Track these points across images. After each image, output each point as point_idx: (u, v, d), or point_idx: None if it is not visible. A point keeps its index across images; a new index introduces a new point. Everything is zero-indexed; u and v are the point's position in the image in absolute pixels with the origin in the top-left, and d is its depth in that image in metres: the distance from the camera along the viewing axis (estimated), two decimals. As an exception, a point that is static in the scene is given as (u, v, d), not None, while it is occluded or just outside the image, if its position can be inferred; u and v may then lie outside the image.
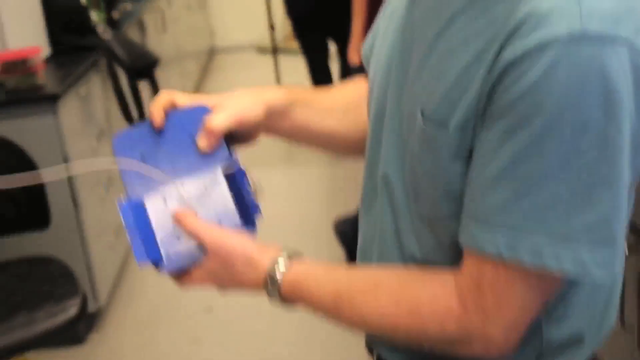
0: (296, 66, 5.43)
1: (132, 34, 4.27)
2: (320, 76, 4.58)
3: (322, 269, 0.99)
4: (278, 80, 5.76)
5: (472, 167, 0.87)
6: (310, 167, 4.42)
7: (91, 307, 3.01)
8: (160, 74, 4.69)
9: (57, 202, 2.68)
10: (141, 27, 4.55)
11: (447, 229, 0.93)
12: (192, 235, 1.00)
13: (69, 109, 3.08)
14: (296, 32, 4.59)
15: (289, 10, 4.53)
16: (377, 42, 1.10)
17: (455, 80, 0.87)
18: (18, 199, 2.47)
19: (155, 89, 3.97)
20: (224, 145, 1.05)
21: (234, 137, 1.10)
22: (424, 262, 0.97)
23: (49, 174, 1.15)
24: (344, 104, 1.20)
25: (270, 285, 0.97)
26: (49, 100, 2.96)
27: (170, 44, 5.32)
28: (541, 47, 0.78)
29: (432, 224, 0.95)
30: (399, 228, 1.00)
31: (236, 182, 1.04)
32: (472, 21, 0.86)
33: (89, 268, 3.04)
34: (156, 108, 1.07)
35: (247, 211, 1.03)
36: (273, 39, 5.85)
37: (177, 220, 1.01)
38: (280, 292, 0.97)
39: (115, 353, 3.09)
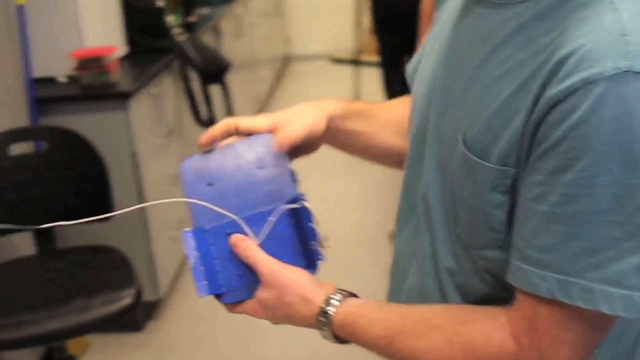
0: (370, 78, 5.45)
1: (207, 38, 4.34)
2: (396, 87, 4.49)
3: (374, 308, 0.98)
4: (356, 91, 5.79)
5: (519, 206, 0.86)
6: (368, 175, 4.41)
7: (151, 296, 3.10)
8: (233, 78, 4.77)
9: (122, 194, 2.74)
10: (217, 31, 4.62)
11: (483, 256, 0.93)
12: (248, 261, 1.01)
13: (140, 107, 3.15)
14: (378, 35, 4.46)
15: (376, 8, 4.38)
16: (422, 60, 1.11)
17: (498, 109, 0.86)
18: (83, 189, 2.54)
19: (225, 93, 4.05)
20: (290, 179, 1.05)
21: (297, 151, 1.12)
22: (461, 284, 0.98)
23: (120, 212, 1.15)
24: (400, 118, 1.19)
25: (323, 323, 0.98)
26: (120, 97, 3.04)
27: (245, 49, 5.38)
28: (587, 84, 0.77)
29: (470, 249, 0.95)
30: (436, 249, 1.00)
31: (300, 217, 1.03)
32: (516, 51, 0.86)
33: (150, 259, 3.11)
34: (215, 131, 1.09)
35: (308, 249, 1.03)
36: (354, 49, 5.87)
37: (234, 245, 1.02)
38: (332, 330, 0.97)
39: (170, 342, 3.16)
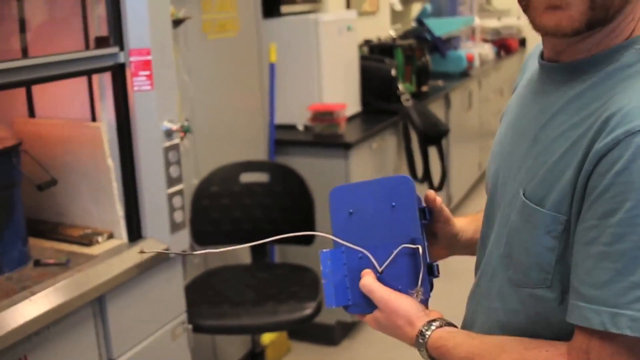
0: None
1: (437, 106, 4.46)
2: None
3: (461, 334, 1.04)
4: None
5: (575, 252, 0.89)
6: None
7: (348, 318, 3.23)
8: (459, 145, 4.86)
9: (321, 221, 2.89)
10: (447, 101, 4.72)
11: (533, 294, 0.97)
12: (365, 291, 1.10)
13: (360, 158, 3.33)
14: None
15: None
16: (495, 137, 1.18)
17: (553, 165, 0.92)
18: (293, 216, 2.77)
19: (441, 155, 4.15)
20: (416, 222, 1.09)
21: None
22: (505, 324, 1.02)
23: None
24: None
25: (420, 344, 1.04)
26: (343, 147, 3.23)
27: (474, 120, 5.41)
28: (628, 136, 0.81)
29: (520, 290, 0.99)
30: (490, 291, 1.06)
31: (417, 255, 1.08)
32: (569, 117, 0.92)
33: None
34: None
35: (421, 281, 1.09)
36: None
37: (366, 287, 1.10)
38: (426, 349, 1.04)
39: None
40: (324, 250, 1.12)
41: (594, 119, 0.88)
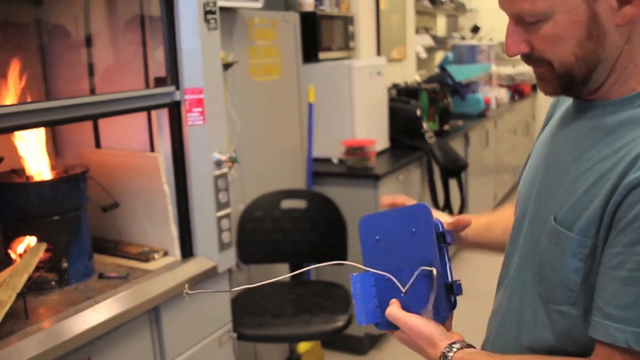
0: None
1: (457, 143, 4.44)
2: None
3: (482, 354, 1.01)
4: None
5: (600, 274, 0.87)
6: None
7: (375, 330, 3.19)
8: (477, 178, 4.81)
9: (353, 244, 2.90)
10: (466, 139, 4.71)
11: (560, 311, 0.95)
12: (391, 319, 1.06)
13: (388, 188, 3.32)
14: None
15: None
16: (527, 164, 1.15)
17: (583, 194, 0.90)
18: (328, 240, 2.76)
19: (460, 186, 4.12)
20: (434, 247, 1.05)
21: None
22: (533, 335, 0.99)
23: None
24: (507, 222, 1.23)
25: None
26: (373, 178, 3.23)
27: (490, 157, 5.38)
28: None
29: (548, 306, 0.97)
30: (522, 307, 1.03)
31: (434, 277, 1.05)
32: (600, 151, 0.90)
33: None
34: (394, 199, 1.22)
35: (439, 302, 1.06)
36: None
37: (390, 314, 1.07)
38: None
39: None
40: (354, 274, 1.10)
41: (623, 153, 0.86)
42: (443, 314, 1.05)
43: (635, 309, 0.82)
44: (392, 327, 1.08)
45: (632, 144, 0.86)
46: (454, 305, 1.06)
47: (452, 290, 1.05)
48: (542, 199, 1.01)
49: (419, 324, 1.04)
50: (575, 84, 0.92)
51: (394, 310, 1.06)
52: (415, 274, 1.05)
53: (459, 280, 1.06)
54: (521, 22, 0.91)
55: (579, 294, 0.91)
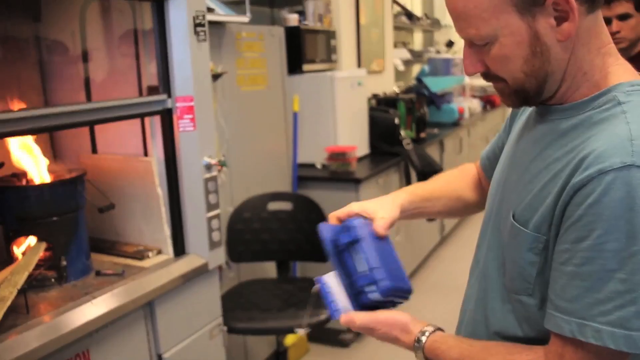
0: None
1: (433, 149, 4.46)
2: None
3: (453, 338, 1.02)
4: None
5: (552, 269, 0.88)
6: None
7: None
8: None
9: None
10: (441, 146, 4.73)
11: (519, 300, 0.96)
12: (362, 330, 1.05)
13: (368, 191, 3.35)
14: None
15: None
16: (497, 166, 1.16)
17: (538, 192, 0.91)
18: (313, 239, 2.76)
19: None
20: (333, 261, 1.07)
21: None
22: (501, 320, 1.00)
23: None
24: (449, 190, 1.26)
25: (417, 348, 1.02)
26: (354, 182, 3.25)
27: (464, 162, 5.37)
28: (600, 174, 0.80)
29: (511, 295, 0.98)
30: (488, 294, 1.04)
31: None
32: (554, 152, 0.91)
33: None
34: (339, 214, 1.19)
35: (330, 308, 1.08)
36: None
37: (347, 323, 1.05)
38: (423, 352, 1.01)
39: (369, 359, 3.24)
40: (318, 277, 1.11)
41: (573, 155, 0.87)
42: (337, 313, 1.06)
43: (580, 302, 0.82)
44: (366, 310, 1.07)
45: (581, 146, 0.86)
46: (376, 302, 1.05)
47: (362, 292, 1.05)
48: (505, 196, 1.02)
49: (390, 315, 1.05)
50: (530, 96, 0.93)
51: (358, 318, 1.05)
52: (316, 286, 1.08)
53: (371, 292, 1.04)
54: (473, 44, 0.93)
55: (535, 285, 0.92)
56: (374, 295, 1.04)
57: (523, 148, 1.01)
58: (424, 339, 1.01)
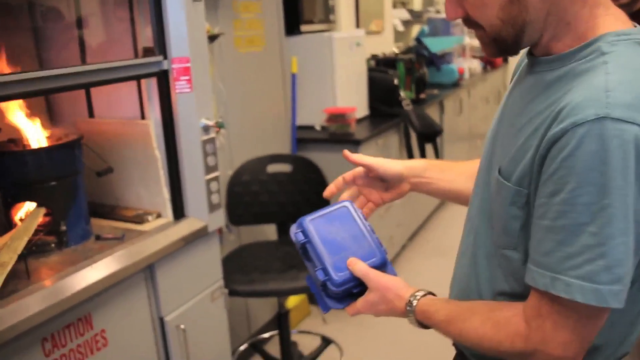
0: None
1: (433, 111, 4.42)
2: None
3: (441, 301, 1.03)
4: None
5: (532, 224, 0.88)
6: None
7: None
8: (452, 144, 4.82)
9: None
10: (441, 107, 4.69)
11: (504, 254, 0.97)
12: (361, 276, 1.06)
13: (367, 152, 3.32)
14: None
15: None
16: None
17: (520, 145, 0.90)
18: (311, 199, 2.75)
19: (436, 151, 4.12)
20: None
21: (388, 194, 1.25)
22: (489, 273, 1.01)
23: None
24: (472, 173, 1.21)
25: (409, 311, 1.03)
26: (354, 143, 3.24)
27: (464, 124, 5.37)
28: (575, 127, 0.79)
29: (497, 250, 0.98)
30: (477, 249, 1.04)
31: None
32: (537, 105, 0.90)
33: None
34: (343, 176, 1.26)
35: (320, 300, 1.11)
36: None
37: (350, 264, 1.07)
38: (415, 316, 1.03)
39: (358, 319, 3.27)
40: (307, 276, 1.13)
41: (552, 108, 0.85)
42: (326, 307, 1.10)
43: (553, 256, 0.82)
44: (349, 299, 1.09)
45: (561, 99, 0.85)
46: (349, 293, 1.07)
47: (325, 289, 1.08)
48: (493, 150, 1.02)
49: (386, 277, 1.06)
50: (508, 45, 0.92)
51: (363, 266, 1.06)
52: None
53: (334, 278, 1.05)
54: None
55: (518, 239, 0.92)
56: (333, 289, 1.06)
57: (512, 101, 1.01)
58: (414, 302, 1.03)
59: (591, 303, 0.80)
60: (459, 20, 0.97)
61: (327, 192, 1.25)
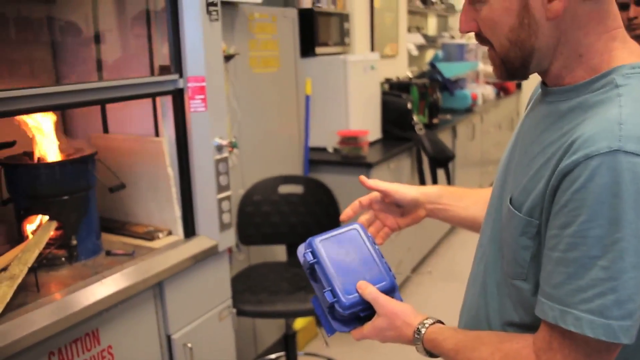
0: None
1: (445, 135, 4.43)
2: None
3: (449, 329, 1.02)
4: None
5: (543, 255, 0.87)
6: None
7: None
8: (463, 169, 4.81)
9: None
10: (454, 132, 4.70)
11: (514, 285, 0.95)
12: (370, 300, 1.05)
13: (379, 176, 3.32)
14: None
15: None
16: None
17: (532, 176, 0.90)
18: (322, 222, 2.75)
19: (448, 176, 4.11)
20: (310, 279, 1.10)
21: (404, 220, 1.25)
22: (498, 304, 1.00)
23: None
24: (487, 200, 1.20)
25: (417, 339, 1.02)
26: (366, 167, 3.23)
27: (476, 149, 5.37)
28: (587, 159, 0.78)
29: (507, 279, 0.97)
30: (487, 278, 1.04)
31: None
32: (550, 135, 0.90)
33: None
34: (359, 199, 1.27)
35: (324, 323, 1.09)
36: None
37: (360, 287, 1.05)
38: (423, 344, 1.02)
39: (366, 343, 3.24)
40: (313, 297, 1.12)
41: (565, 138, 0.85)
42: (331, 329, 1.08)
43: (563, 288, 0.81)
44: (355, 323, 1.08)
45: (574, 130, 0.84)
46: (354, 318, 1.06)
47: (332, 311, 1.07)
48: (506, 179, 1.01)
49: (395, 303, 1.05)
50: (516, 68, 0.92)
51: (369, 286, 1.05)
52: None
53: (342, 301, 1.04)
54: (471, 2, 0.93)
55: (529, 270, 0.91)
56: (340, 311, 1.05)
57: (526, 130, 1.00)
58: (423, 330, 1.02)
59: (601, 338, 0.79)
60: (473, 46, 0.97)
61: (344, 216, 1.25)
